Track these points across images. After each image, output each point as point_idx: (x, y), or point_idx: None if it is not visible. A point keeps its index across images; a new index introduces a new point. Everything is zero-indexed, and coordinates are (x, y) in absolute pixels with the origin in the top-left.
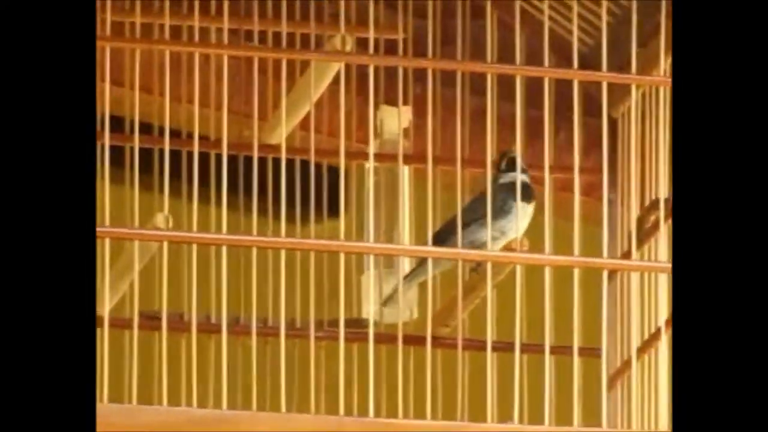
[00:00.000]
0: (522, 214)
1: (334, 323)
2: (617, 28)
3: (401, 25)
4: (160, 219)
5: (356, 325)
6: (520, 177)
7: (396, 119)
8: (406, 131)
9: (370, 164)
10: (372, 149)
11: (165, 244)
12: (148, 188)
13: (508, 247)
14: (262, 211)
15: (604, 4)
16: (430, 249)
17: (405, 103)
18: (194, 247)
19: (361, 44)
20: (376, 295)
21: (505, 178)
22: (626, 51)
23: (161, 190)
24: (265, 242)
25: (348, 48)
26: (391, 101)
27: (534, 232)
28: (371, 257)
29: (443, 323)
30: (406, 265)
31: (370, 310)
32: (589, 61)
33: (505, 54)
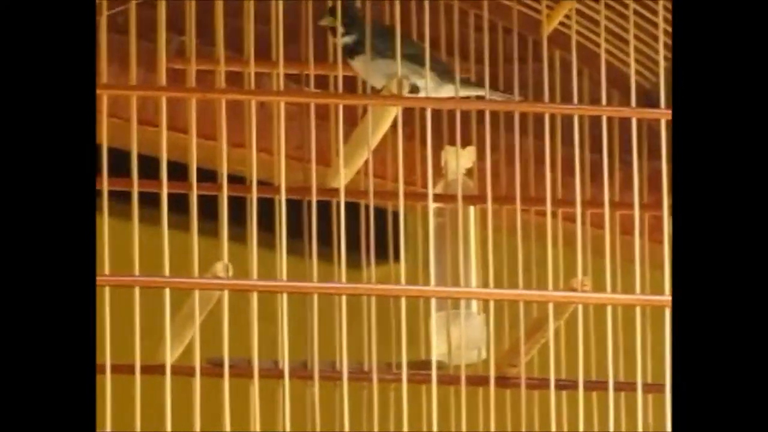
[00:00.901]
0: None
1: (401, 366)
2: None
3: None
4: (219, 267)
5: (425, 367)
6: None
7: (460, 160)
8: (469, 171)
9: (429, 205)
10: (431, 190)
11: (226, 293)
12: (213, 235)
13: (569, 287)
14: (325, 256)
15: (661, 38)
16: (486, 291)
17: (469, 144)
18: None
19: None
20: (444, 337)
21: None
22: None
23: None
24: (324, 288)
25: (405, 92)
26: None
27: (597, 274)
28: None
29: (511, 363)
30: (473, 307)
31: (437, 352)
32: (655, 99)
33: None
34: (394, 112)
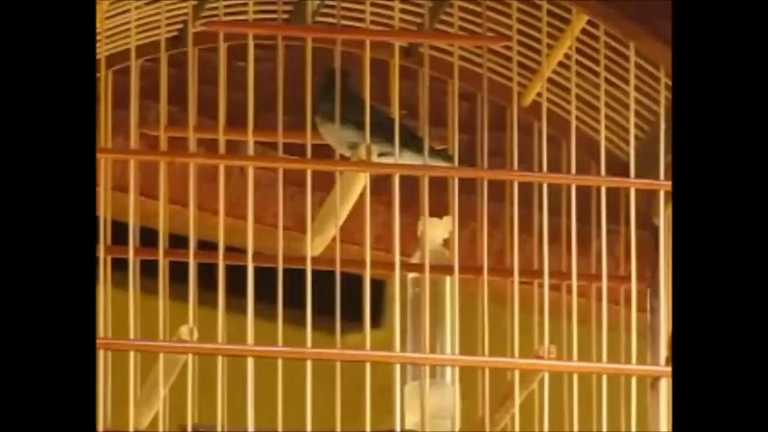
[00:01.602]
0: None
1: None
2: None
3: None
4: (184, 331)
5: None
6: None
7: (438, 230)
8: (446, 242)
9: (396, 276)
10: (397, 257)
11: (190, 356)
12: (183, 299)
13: (535, 355)
14: (299, 322)
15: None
16: (451, 357)
17: (447, 213)
18: (221, 358)
19: None
20: (417, 406)
21: None
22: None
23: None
24: (290, 352)
25: (374, 158)
26: (436, 212)
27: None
28: (409, 368)
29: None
30: (447, 376)
31: (411, 422)
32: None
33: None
34: (363, 178)
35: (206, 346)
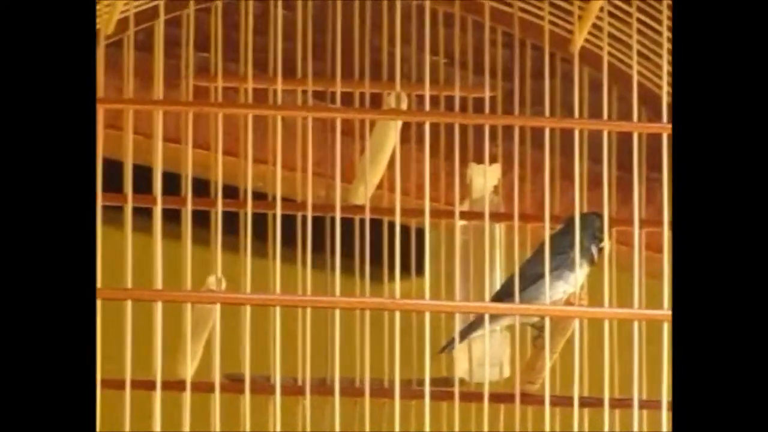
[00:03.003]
0: (581, 274)
1: (423, 383)
2: None
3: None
4: (212, 281)
5: (445, 384)
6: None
7: (486, 177)
8: (496, 189)
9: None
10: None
11: (218, 306)
12: (234, 249)
13: (566, 302)
14: (348, 270)
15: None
16: (491, 305)
17: (494, 161)
18: (278, 309)
19: (447, 104)
20: (467, 354)
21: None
22: None
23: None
24: (325, 302)
25: (404, 105)
26: (481, 160)
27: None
28: (457, 316)
29: (529, 380)
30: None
31: (461, 369)
32: None
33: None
34: (396, 126)
35: (234, 295)
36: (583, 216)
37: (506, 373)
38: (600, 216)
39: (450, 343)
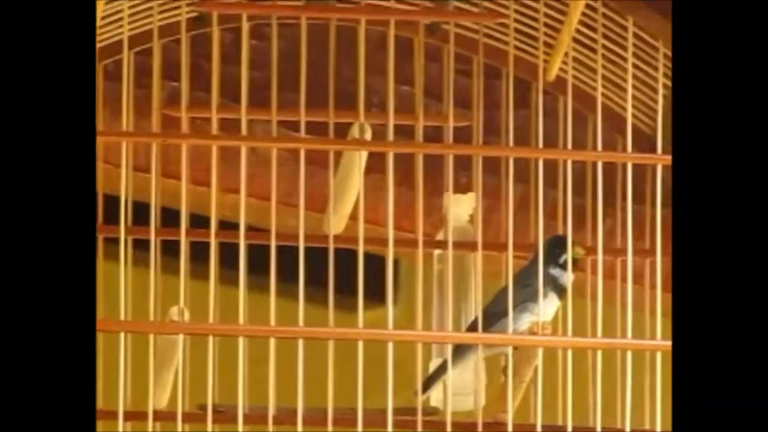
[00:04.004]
0: (553, 304)
1: (399, 412)
2: None
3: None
4: (174, 311)
5: (421, 413)
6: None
7: (462, 206)
8: (471, 218)
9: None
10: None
11: (181, 337)
12: (203, 278)
13: (530, 332)
14: (319, 299)
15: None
16: (454, 334)
17: (468, 190)
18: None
19: (407, 133)
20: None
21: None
22: None
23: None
24: (288, 332)
25: (368, 136)
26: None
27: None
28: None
29: (502, 409)
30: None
31: (436, 398)
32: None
33: (553, 142)
34: (363, 157)
35: (198, 326)
36: (547, 242)
37: (481, 402)
38: (563, 238)
39: (431, 381)
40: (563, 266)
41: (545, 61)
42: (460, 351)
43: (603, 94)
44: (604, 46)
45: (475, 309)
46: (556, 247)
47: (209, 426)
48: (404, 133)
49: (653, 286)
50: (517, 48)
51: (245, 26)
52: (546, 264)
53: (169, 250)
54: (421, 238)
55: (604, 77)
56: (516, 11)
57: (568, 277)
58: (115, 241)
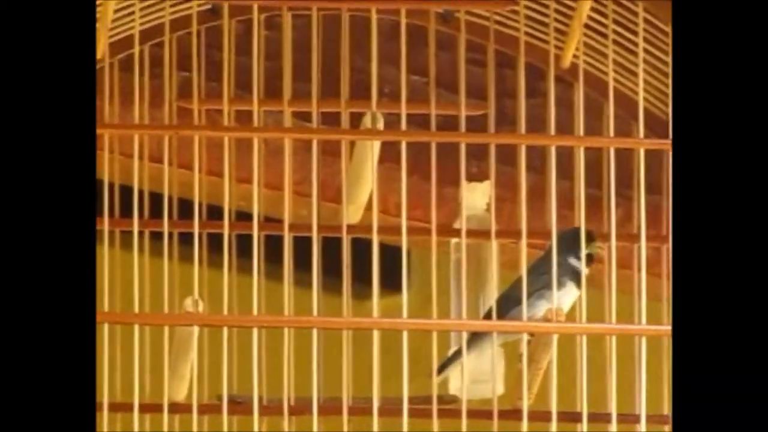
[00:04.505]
0: (573, 293)
1: (417, 401)
2: None
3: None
4: (189, 303)
5: (439, 401)
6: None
7: (478, 195)
8: (488, 206)
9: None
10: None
11: (195, 328)
12: (220, 267)
13: (543, 318)
14: (333, 288)
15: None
16: (468, 322)
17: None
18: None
19: (419, 123)
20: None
21: (565, 259)
22: None
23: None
24: (303, 321)
25: (380, 125)
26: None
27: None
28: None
29: (519, 396)
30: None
31: (454, 386)
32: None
33: (569, 130)
34: (376, 147)
35: (213, 317)
36: (567, 233)
37: (500, 390)
38: (581, 231)
39: (446, 365)
40: (587, 257)
41: (558, 48)
42: (476, 338)
43: (617, 81)
44: (615, 32)
45: (493, 298)
46: (577, 238)
47: (225, 417)
48: (417, 123)
49: (667, 275)
50: (529, 35)
51: (256, 17)
52: (567, 254)
53: (186, 240)
54: (434, 227)
55: (618, 64)
56: None
57: (584, 270)
58: (131, 233)
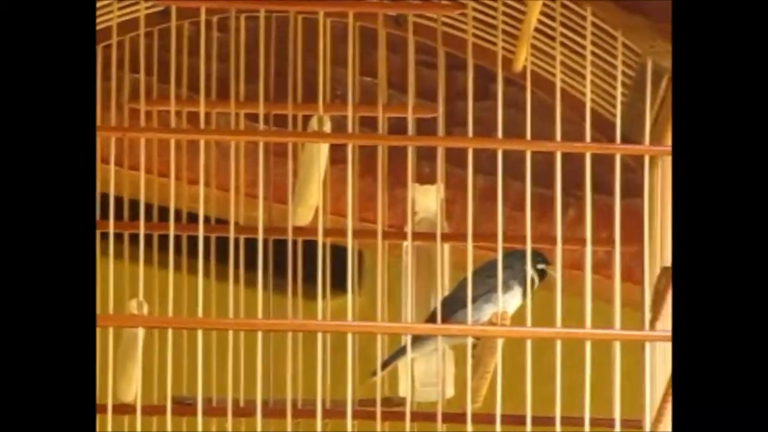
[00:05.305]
0: (519, 296)
1: (366, 403)
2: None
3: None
4: (134, 305)
5: (388, 403)
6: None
7: (430, 197)
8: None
9: (380, 243)
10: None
11: (140, 330)
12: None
13: (489, 322)
14: (282, 289)
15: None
16: (414, 325)
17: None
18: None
19: (370, 124)
20: (410, 374)
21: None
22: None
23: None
24: (245, 324)
25: (327, 128)
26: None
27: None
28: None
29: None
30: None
31: (405, 389)
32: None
33: (515, 134)
34: (324, 149)
35: (155, 318)
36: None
37: (450, 392)
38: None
39: (389, 361)
40: (537, 271)
41: (507, 50)
42: (421, 340)
43: (570, 86)
44: (563, 35)
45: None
46: (536, 255)
47: (169, 418)
48: (369, 124)
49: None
50: (478, 38)
51: (203, 19)
52: (519, 261)
53: (137, 241)
54: (380, 230)
55: (569, 68)
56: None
57: (536, 278)
58: None
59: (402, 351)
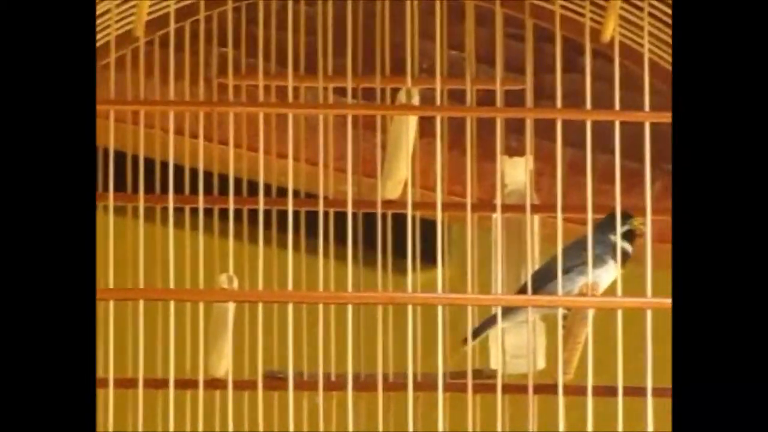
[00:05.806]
0: (613, 270)
1: (457, 375)
2: None
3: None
4: (224, 279)
5: (479, 375)
6: (620, 242)
7: (519, 170)
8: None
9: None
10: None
11: (231, 305)
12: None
13: (579, 293)
14: (372, 262)
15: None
16: (503, 297)
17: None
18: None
19: (458, 98)
20: (502, 346)
21: (606, 236)
22: None
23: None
24: (335, 297)
25: (415, 100)
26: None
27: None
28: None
29: (564, 371)
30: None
31: (496, 361)
32: None
33: (603, 106)
34: (413, 122)
35: (246, 292)
36: (610, 214)
37: (541, 364)
38: (624, 211)
39: (479, 330)
40: (625, 236)
41: (598, 23)
42: (511, 311)
43: (658, 56)
44: (652, 5)
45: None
46: (619, 216)
47: (260, 392)
48: (456, 97)
49: None
50: (567, 9)
51: None
52: (608, 231)
53: (226, 215)
54: (469, 202)
55: (658, 38)
56: None
57: (628, 248)
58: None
59: (493, 320)
